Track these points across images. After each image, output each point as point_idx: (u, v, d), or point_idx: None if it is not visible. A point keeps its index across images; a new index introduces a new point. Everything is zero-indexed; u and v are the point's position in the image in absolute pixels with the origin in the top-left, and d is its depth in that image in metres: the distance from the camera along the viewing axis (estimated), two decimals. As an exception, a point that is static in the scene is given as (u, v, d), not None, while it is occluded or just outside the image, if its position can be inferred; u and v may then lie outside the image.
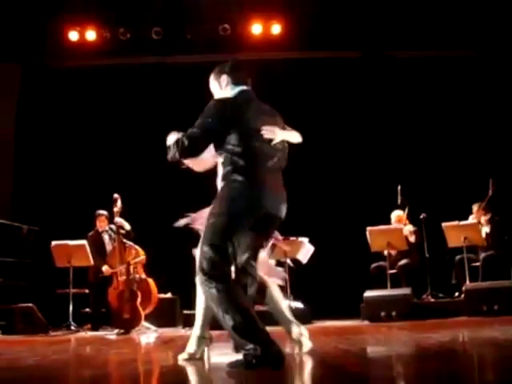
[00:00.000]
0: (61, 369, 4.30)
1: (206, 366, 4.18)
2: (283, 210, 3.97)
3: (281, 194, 3.98)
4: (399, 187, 8.59)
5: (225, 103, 3.94)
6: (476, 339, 5.15)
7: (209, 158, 4.12)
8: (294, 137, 4.18)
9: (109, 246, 8.54)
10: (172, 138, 4.04)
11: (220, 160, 3.98)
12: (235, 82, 4.07)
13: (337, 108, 9.95)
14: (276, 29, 9.82)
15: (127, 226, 8.14)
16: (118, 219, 7.99)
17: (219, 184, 4.06)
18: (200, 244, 4.02)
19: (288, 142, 4.14)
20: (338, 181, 9.67)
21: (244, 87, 4.06)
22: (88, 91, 10.01)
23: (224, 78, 4.09)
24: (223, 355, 4.55)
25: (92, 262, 8.19)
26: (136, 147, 9.84)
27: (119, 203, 7.98)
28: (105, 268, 8.22)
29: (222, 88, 4.10)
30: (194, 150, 3.95)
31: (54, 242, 8.21)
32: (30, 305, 8.02)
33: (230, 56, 9.97)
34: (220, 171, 4.03)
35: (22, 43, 9.65)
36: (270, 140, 3.92)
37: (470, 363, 3.72)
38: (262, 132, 3.87)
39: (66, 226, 8.90)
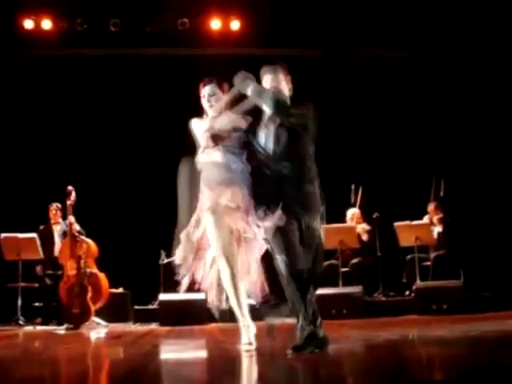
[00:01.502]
0: (6, 365, 4.22)
1: (158, 360, 4.15)
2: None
3: None
4: (353, 186, 8.66)
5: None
6: (424, 337, 5.23)
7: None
8: None
9: (59, 239, 8.41)
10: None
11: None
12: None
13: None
14: (235, 25, 9.79)
15: (77, 227, 8.03)
16: (71, 217, 7.89)
17: None
18: None
19: None
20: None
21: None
22: (42, 81, 9.80)
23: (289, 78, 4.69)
24: (175, 352, 4.54)
25: (42, 255, 8.05)
26: (90, 138, 9.71)
27: (73, 196, 7.87)
28: (38, 268, 8.13)
29: (285, 85, 4.72)
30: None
31: (3, 235, 8.05)
32: (-22, 298, 7.86)
33: (188, 50, 9.98)
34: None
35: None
36: None
37: (417, 360, 3.77)
38: None
39: (17, 219, 8.72)
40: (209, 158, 4.47)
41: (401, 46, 9.77)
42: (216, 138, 4.47)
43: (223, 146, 4.45)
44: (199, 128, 4.55)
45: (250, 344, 4.29)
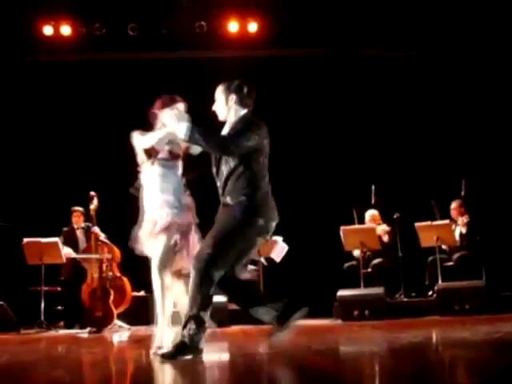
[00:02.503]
0: (30, 369, 4.25)
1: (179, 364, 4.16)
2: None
3: None
4: (373, 187, 8.63)
5: (258, 124, 4.29)
6: (446, 339, 5.19)
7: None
8: None
9: (82, 244, 8.48)
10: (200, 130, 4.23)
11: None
12: (242, 104, 4.36)
13: (312, 107, 9.97)
14: (253, 27, 9.80)
15: (101, 236, 8.08)
16: (95, 228, 7.95)
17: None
18: None
19: None
20: (312, 180, 9.68)
21: (249, 108, 4.39)
22: (63, 86, 9.90)
23: (233, 96, 4.35)
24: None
25: (64, 260, 8.11)
26: (112, 144, 9.75)
27: (95, 201, 7.92)
28: (67, 251, 8.12)
29: (226, 104, 4.37)
30: (227, 152, 4.24)
31: (25, 239, 8.13)
32: (1, 303, 7.93)
33: (206, 53, 10.01)
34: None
35: (-4, 37, 9.52)
36: None
37: (440, 364, 3.75)
38: None
39: (40, 223, 8.80)
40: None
41: (413, 46, 9.72)
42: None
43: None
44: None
45: (160, 348, 4.48)
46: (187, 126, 4.23)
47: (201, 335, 4.19)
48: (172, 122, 4.34)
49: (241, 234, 4.18)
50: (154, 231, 4.62)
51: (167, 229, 4.60)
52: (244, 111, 4.36)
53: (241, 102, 4.35)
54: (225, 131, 4.40)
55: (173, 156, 4.72)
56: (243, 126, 4.25)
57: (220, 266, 4.15)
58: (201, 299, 4.15)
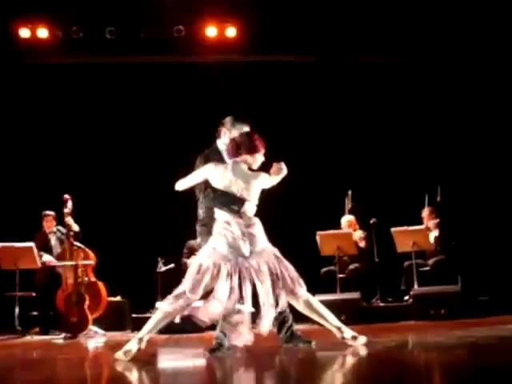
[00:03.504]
0: (4, 375, 4.21)
1: (157, 370, 4.15)
2: None
3: None
4: (349, 192, 8.66)
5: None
6: (422, 343, 5.23)
7: None
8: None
9: (56, 248, 8.39)
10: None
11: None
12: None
13: (290, 112, 9.99)
14: (231, 32, 9.80)
15: (75, 227, 8.00)
16: (67, 219, 7.86)
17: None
18: None
19: None
20: (289, 185, 9.67)
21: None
22: (38, 90, 9.82)
23: (225, 131, 4.96)
24: (173, 360, 4.53)
25: (39, 264, 8.03)
26: (87, 146, 9.72)
27: (70, 204, 7.86)
28: (47, 258, 8.03)
29: (220, 138, 4.96)
30: None
31: (-1, 244, 8.04)
32: (-26, 308, 7.84)
33: (184, 57, 10.00)
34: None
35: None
36: None
37: (415, 368, 3.77)
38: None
39: (12, 228, 8.70)
40: None
41: (397, 51, 9.78)
42: None
43: None
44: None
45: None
46: None
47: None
48: None
49: None
50: None
51: None
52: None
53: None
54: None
55: None
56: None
57: None
58: None
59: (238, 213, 4.55)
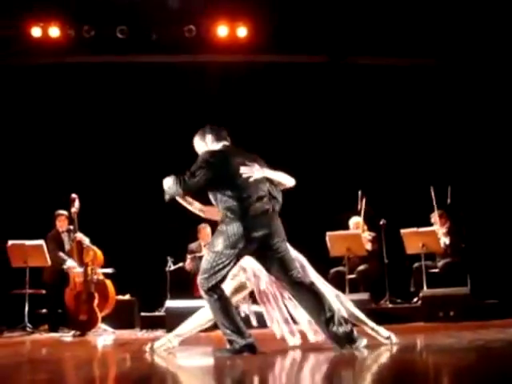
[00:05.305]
0: (13, 372, 4.22)
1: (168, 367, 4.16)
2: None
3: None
4: (360, 193, 8.65)
5: (214, 154, 4.66)
6: (430, 346, 5.21)
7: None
8: (281, 177, 5.00)
9: (68, 247, 8.43)
10: (169, 180, 4.61)
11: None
12: (218, 139, 4.80)
13: (301, 112, 9.99)
14: (242, 31, 9.80)
15: (86, 241, 8.05)
16: (78, 235, 7.92)
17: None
18: None
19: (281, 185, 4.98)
20: (298, 185, 9.67)
21: (225, 142, 4.80)
22: (50, 89, 9.86)
23: (209, 137, 4.81)
24: (181, 359, 4.54)
25: (49, 263, 8.06)
26: (96, 146, 9.75)
27: (77, 203, 7.89)
28: (71, 264, 8.04)
29: (208, 146, 4.80)
30: (190, 189, 4.60)
31: (10, 242, 8.08)
32: (-16, 305, 7.88)
33: (195, 57, 10.01)
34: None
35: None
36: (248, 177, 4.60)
37: (424, 370, 3.76)
38: (242, 171, 4.58)
39: (23, 226, 8.74)
40: None
41: (405, 53, 9.76)
42: None
43: None
44: None
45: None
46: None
47: None
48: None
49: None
50: None
51: None
52: (219, 145, 4.76)
53: (216, 139, 4.80)
54: None
55: None
56: (194, 166, 4.58)
57: None
58: None
59: None
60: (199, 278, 4.54)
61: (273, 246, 4.59)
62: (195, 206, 4.83)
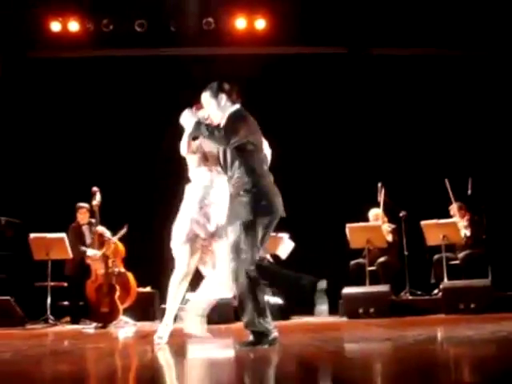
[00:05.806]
0: (36, 363, 4.27)
1: (186, 360, 4.18)
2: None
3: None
4: (379, 184, 8.61)
5: (244, 117, 4.54)
6: (451, 338, 5.19)
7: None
8: None
9: (89, 239, 8.49)
10: (192, 120, 4.59)
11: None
12: (232, 101, 4.61)
13: (320, 104, 9.96)
14: (260, 24, 9.78)
15: (107, 234, 8.10)
16: (99, 228, 7.97)
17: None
18: None
19: None
20: (319, 177, 9.68)
21: (239, 105, 4.62)
22: (70, 83, 9.92)
23: (222, 96, 4.60)
24: (202, 350, 4.57)
25: (71, 255, 8.14)
26: (117, 140, 9.80)
27: (98, 196, 7.92)
28: (90, 252, 8.12)
29: (219, 105, 4.60)
30: (222, 143, 4.49)
31: (32, 235, 8.15)
32: (8, 298, 7.96)
33: (214, 49, 10.01)
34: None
35: (3, 33, 9.53)
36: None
37: (445, 362, 3.75)
38: None
39: (45, 219, 8.83)
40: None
41: (426, 44, 9.68)
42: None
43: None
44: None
45: (161, 338, 4.91)
46: (195, 121, 4.58)
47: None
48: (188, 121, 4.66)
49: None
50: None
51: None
52: (235, 107, 4.59)
53: (230, 99, 4.60)
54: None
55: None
56: (232, 122, 4.48)
57: None
58: None
59: None
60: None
61: None
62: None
